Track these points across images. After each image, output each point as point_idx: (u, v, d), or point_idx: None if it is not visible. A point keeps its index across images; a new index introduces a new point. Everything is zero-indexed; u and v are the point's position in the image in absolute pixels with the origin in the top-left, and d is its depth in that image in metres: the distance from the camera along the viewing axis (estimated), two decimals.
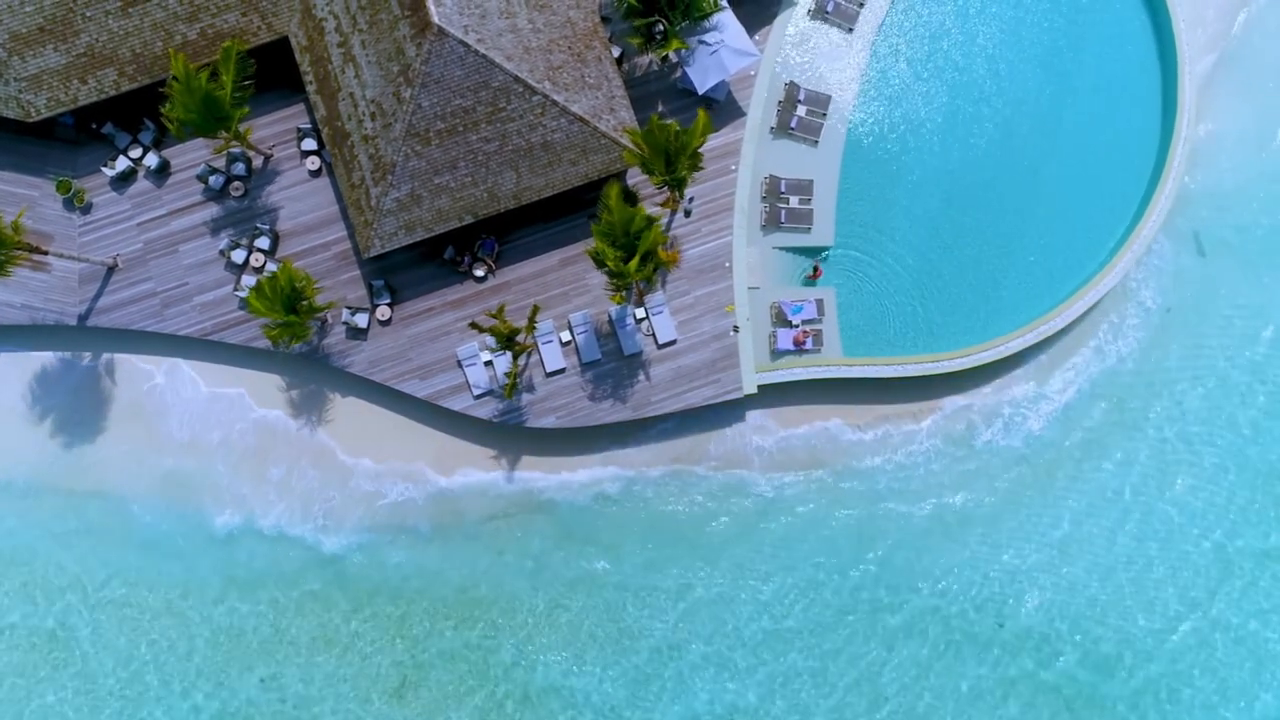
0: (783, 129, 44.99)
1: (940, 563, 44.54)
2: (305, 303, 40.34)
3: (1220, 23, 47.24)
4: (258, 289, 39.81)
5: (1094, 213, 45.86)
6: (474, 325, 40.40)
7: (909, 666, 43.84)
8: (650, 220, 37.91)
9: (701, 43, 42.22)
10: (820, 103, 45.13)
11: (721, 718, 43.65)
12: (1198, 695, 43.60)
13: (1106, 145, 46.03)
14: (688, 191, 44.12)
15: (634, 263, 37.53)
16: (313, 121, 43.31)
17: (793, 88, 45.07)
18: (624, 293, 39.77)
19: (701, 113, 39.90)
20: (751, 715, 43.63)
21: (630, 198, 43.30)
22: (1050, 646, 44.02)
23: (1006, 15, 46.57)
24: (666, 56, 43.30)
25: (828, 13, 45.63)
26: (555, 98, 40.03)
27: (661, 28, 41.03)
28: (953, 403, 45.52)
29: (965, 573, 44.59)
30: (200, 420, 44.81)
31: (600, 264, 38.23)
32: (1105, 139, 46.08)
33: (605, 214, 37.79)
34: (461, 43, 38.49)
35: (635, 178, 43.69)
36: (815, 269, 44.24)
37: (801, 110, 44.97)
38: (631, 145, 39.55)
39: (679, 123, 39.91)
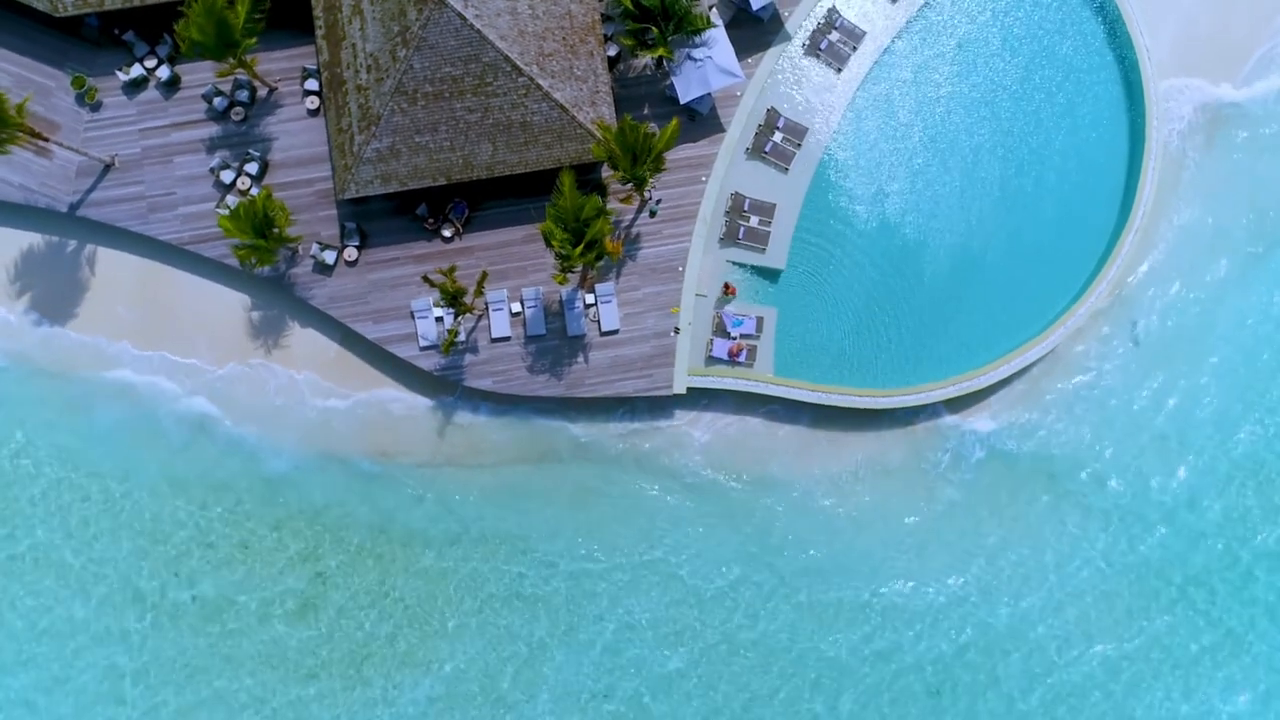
0: (757, 151, 47.12)
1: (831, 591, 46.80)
2: (276, 230, 42.84)
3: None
4: (234, 210, 42.37)
5: (1038, 285, 47.75)
6: (426, 279, 42.75)
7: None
8: (600, 211, 40.18)
9: (690, 56, 44.44)
10: (797, 133, 47.24)
11: (607, 676, 46.13)
12: None
13: (1062, 224, 47.94)
14: (656, 193, 46.38)
15: (579, 248, 39.79)
16: (319, 64, 45.76)
17: (773, 114, 47.19)
18: (569, 275, 42.02)
19: (674, 121, 42.23)
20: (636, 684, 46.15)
21: (600, 190, 45.61)
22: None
23: (990, 85, 48.51)
24: (660, 63, 45.56)
25: (820, 50, 47.73)
26: (540, 82, 42.40)
27: (652, 34, 43.23)
28: (869, 437, 47.39)
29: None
30: (167, 322, 47.21)
31: (549, 243, 40.54)
32: (1062, 218, 48.00)
33: (559, 198, 40.08)
34: (459, 15, 40.94)
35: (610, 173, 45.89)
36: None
37: (778, 137, 47.10)
38: (601, 138, 41.83)
39: (648, 126, 42.04)
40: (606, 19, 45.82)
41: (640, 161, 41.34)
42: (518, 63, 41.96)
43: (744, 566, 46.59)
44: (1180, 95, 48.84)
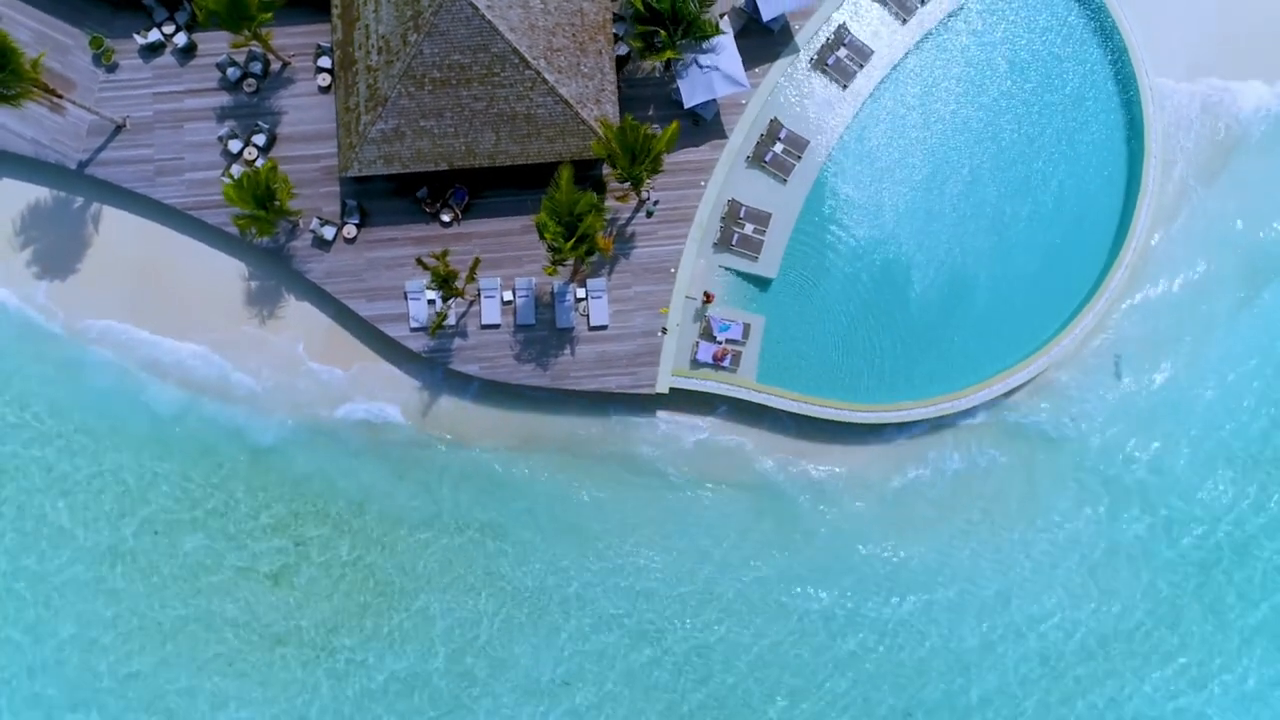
0: (757, 160, 47.69)
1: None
2: (276, 203, 43.56)
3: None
4: (238, 180, 43.13)
5: (1028, 310, 48.25)
6: (419, 261, 43.41)
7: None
8: (594, 207, 40.79)
9: (697, 61, 45.04)
10: (798, 145, 47.79)
11: (571, 663, 46.80)
12: None
13: (1054, 252, 48.43)
14: (655, 194, 46.95)
15: (570, 242, 40.43)
16: (332, 42, 46.41)
17: (776, 125, 47.74)
18: (560, 268, 42.61)
19: (674, 124, 42.87)
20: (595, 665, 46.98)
21: (599, 186, 46.24)
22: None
23: (994, 110, 49.08)
24: (669, 66, 46.17)
25: (828, 65, 48.26)
26: (547, 76, 43.03)
27: (660, 37, 43.82)
28: (852, 450, 47.88)
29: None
30: (164, 286, 47.85)
31: (542, 235, 41.17)
32: (1055, 246, 48.51)
33: (555, 192, 40.72)
34: (471, 5, 41.64)
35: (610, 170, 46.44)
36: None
37: (779, 147, 47.66)
38: (602, 135, 42.45)
39: (650, 127, 42.67)
40: (619, 19, 46.43)
41: (638, 161, 41.96)
42: (526, 55, 42.61)
43: (715, 564, 47.15)
44: (1185, 124, 49.53)
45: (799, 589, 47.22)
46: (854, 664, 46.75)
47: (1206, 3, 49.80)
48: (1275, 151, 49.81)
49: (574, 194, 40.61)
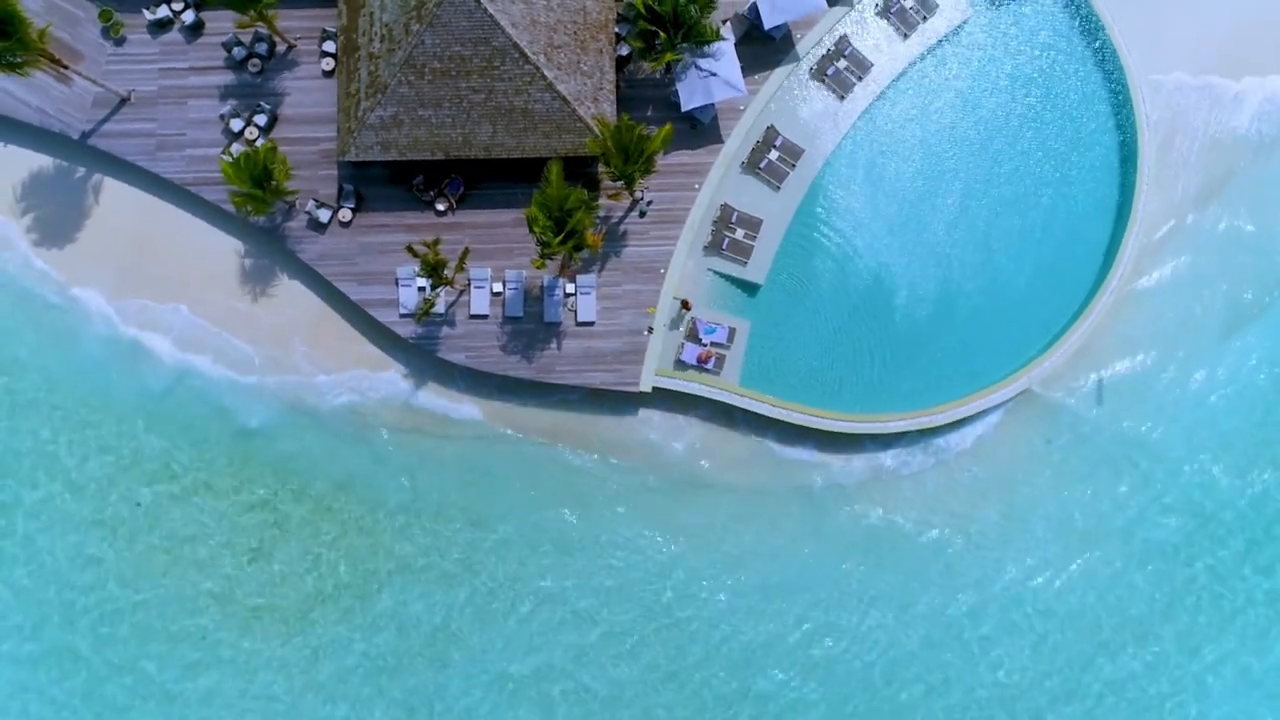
0: (752, 166, 48.08)
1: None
2: (273, 183, 44.07)
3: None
4: (236, 158, 43.65)
5: (1011, 330, 48.49)
6: (409, 248, 43.89)
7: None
8: (583, 203, 41.23)
9: (696, 65, 45.44)
10: (793, 153, 48.17)
11: (534, 641, 47.30)
12: None
13: (1039, 275, 48.67)
14: (648, 194, 47.38)
15: (559, 237, 40.88)
16: (337, 28, 46.91)
17: (772, 132, 48.12)
18: (548, 261, 43.05)
19: (668, 126, 43.28)
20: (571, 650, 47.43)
21: (593, 184, 46.67)
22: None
23: (990, 127, 49.43)
24: (669, 68, 46.58)
25: (827, 75, 48.64)
26: (546, 73, 43.49)
27: (660, 40, 44.23)
28: (835, 457, 48.20)
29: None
30: (159, 260, 48.38)
31: (532, 228, 41.63)
32: (1043, 266, 48.74)
33: (546, 186, 41.17)
34: None
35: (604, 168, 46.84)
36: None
37: (774, 155, 48.04)
38: (598, 133, 42.90)
39: (645, 127, 43.12)
40: (622, 19, 46.85)
41: (632, 160, 42.39)
42: (526, 51, 43.07)
43: (690, 552, 47.50)
44: (1185, 126, 49.92)
45: (779, 583, 47.55)
46: (821, 660, 47.12)
47: (1208, 4, 50.18)
48: (1275, 155, 50.07)
49: (564, 189, 41.07)
